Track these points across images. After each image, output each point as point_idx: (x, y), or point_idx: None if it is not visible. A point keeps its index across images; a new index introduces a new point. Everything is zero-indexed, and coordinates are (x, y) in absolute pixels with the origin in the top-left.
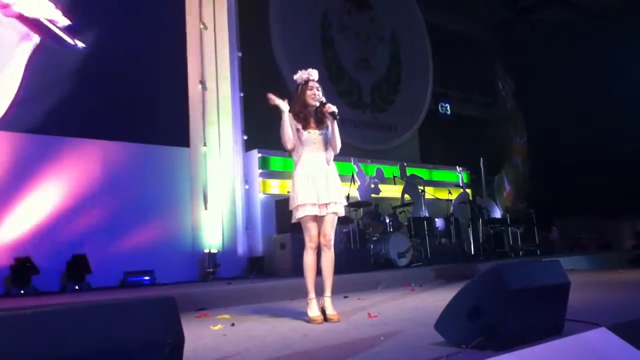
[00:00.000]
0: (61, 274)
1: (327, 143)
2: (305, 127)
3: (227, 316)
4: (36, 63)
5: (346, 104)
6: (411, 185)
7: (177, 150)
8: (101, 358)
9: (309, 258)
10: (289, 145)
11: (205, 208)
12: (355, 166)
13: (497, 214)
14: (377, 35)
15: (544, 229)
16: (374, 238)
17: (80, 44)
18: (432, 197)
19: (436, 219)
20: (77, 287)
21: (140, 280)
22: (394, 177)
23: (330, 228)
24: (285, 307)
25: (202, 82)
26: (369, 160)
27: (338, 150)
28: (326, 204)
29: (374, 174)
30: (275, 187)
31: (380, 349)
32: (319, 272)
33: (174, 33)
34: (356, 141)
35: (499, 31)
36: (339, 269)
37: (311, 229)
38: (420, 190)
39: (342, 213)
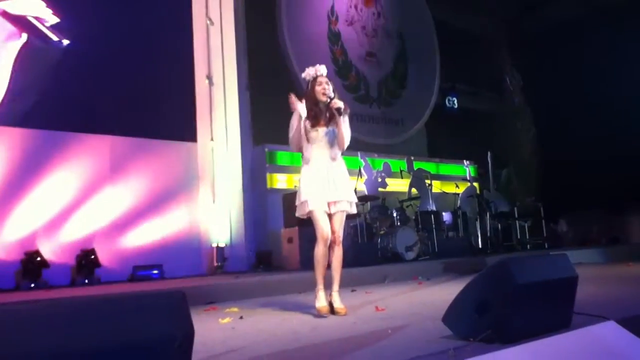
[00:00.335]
0: (71, 268)
1: (335, 140)
2: (314, 125)
3: (235, 310)
4: (42, 61)
5: (353, 98)
6: (418, 179)
7: (185, 145)
8: (112, 350)
9: (320, 251)
10: (295, 149)
11: (213, 202)
12: (362, 160)
13: (505, 207)
14: (384, 29)
15: (552, 222)
16: (382, 232)
17: (65, 42)
18: (439, 191)
19: (443, 213)
20: (86, 281)
21: (149, 275)
22: (401, 171)
23: (339, 226)
24: (293, 300)
25: (209, 77)
26: (376, 155)
27: (345, 147)
28: (334, 202)
29: (381, 168)
30: (283, 181)
31: (388, 342)
32: (328, 266)
33: (181, 28)
34: (363, 135)
35: (507, 25)
36: (346, 263)
37: (321, 223)
38: (427, 184)
39: (352, 211)
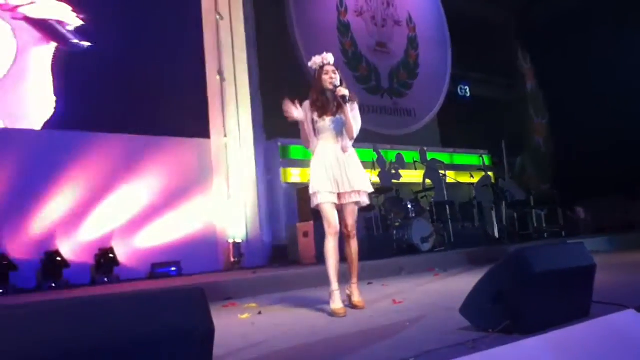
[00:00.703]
0: (90, 267)
1: (343, 129)
2: (321, 115)
3: (254, 305)
4: (59, 63)
5: (364, 89)
6: (432, 169)
7: (198, 142)
8: (134, 347)
9: (329, 245)
10: (309, 147)
11: (228, 198)
12: (375, 152)
13: (521, 196)
14: (393, 19)
15: (568, 210)
16: (397, 224)
17: (85, 44)
18: (453, 181)
19: (458, 203)
20: (106, 280)
21: (167, 272)
22: (414, 162)
23: (351, 218)
24: (310, 295)
25: (220, 73)
26: (388, 146)
27: (354, 136)
28: (346, 193)
29: (394, 160)
30: (296, 175)
31: (407, 334)
32: (341, 260)
33: (191, 25)
34: (375, 127)
35: (519, 12)
36: (361, 256)
37: (329, 216)
38: (441, 175)
39: (364, 202)
